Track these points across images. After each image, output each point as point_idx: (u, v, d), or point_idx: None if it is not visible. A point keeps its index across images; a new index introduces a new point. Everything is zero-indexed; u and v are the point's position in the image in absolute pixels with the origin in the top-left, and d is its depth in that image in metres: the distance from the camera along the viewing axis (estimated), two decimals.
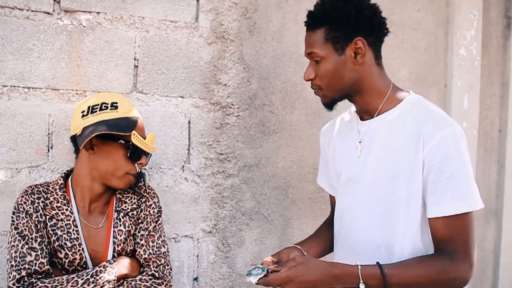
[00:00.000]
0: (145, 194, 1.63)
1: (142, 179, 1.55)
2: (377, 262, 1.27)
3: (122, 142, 1.48)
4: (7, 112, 1.64)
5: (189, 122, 1.89)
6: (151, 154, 1.58)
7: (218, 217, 1.95)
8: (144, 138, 1.52)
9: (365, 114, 1.44)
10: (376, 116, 1.40)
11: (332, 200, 1.64)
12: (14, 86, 1.65)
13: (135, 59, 1.80)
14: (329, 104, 1.41)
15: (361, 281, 1.24)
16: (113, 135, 1.46)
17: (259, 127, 2.00)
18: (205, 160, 1.92)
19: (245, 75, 1.97)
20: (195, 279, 1.93)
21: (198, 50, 1.89)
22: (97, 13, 1.74)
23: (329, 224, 1.62)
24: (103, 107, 1.47)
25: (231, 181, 1.97)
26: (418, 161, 1.29)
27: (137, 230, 1.59)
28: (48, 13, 1.68)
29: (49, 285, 1.39)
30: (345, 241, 1.48)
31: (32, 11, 1.66)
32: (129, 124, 1.49)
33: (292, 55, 2.04)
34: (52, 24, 1.68)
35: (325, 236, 1.59)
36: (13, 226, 1.45)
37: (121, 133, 1.45)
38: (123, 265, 1.51)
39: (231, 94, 1.95)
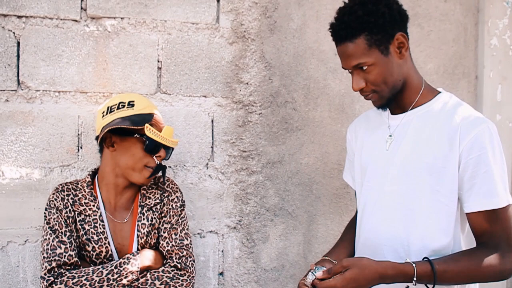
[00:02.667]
0: (168, 189, 1.70)
1: (162, 171, 1.61)
2: (426, 258, 1.30)
3: (138, 136, 1.55)
4: (40, 115, 1.75)
5: (212, 121, 1.95)
6: (172, 148, 1.64)
7: (243, 213, 1.99)
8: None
9: (397, 108, 1.45)
10: (410, 110, 1.42)
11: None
12: (46, 91, 1.75)
13: (158, 61, 1.87)
14: (385, 104, 1.43)
15: (415, 278, 1.25)
16: (128, 130, 1.54)
17: (281, 124, 2.03)
18: (228, 157, 1.97)
19: (266, 73, 2.00)
20: (221, 273, 1.98)
21: (219, 50, 1.93)
22: (121, 18, 1.82)
23: (353, 224, 1.63)
24: (120, 106, 1.55)
25: (255, 178, 2.00)
26: (453, 156, 1.31)
27: (161, 224, 1.66)
28: (76, 21, 1.77)
29: (76, 275, 1.48)
30: (368, 233, 1.49)
31: (61, 19, 1.76)
32: (143, 118, 1.55)
33: (314, 52, 2.05)
34: (80, 31, 1.78)
35: (350, 238, 1.59)
36: (45, 221, 1.56)
37: (134, 127, 1.52)
38: (146, 257, 1.58)
39: (253, 92, 1.98)
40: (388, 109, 1.48)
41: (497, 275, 1.30)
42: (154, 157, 1.59)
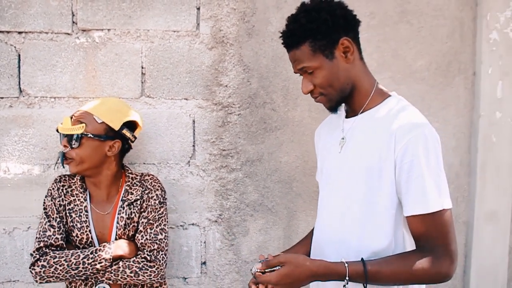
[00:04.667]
0: (150, 186, 1.87)
1: (59, 157, 1.75)
2: (362, 259, 1.34)
3: None
4: (38, 118, 2.00)
5: (193, 122, 2.09)
6: (69, 135, 1.72)
7: (223, 208, 2.13)
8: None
9: (351, 112, 1.51)
10: (360, 113, 1.47)
11: None
12: (43, 97, 2.00)
13: (142, 68, 2.04)
14: (334, 107, 1.49)
15: (347, 277, 1.31)
16: None
17: (260, 124, 2.12)
18: (209, 156, 2.10)
19: (245, 76, 2.09)
20: (203, 263, 2.14)
21: (199, 55, 2.06)
22: (108, 30, 2.01)
23: None
24: None
25: (234, 175, 2.12)
26: (390, 160, 1.35)
27: (139, 218, 1.85)
28: (68, 34, 1.99)
29: (57, 256, 1.72)
30: (316, 233, 1.57)
31: (55, 33, 1.98)
32: None
33: None
34: (71, 43, 1.99)
35: (311, 239, 1.66)
36: (43, 207, 1.82)
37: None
38: (119, 247, 1.77)
39: (232, 94, 2.09)
40: (344, 112, 1.54)
41: (431, 278, 1.32)
42: (62, 145, 1.76)
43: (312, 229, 1.74)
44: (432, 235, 1.32)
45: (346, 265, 1.31)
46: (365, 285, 1.33)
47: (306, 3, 1.43)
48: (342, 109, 1.56)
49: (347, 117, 1.53)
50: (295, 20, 1.40)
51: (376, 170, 1.37)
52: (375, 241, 1.40)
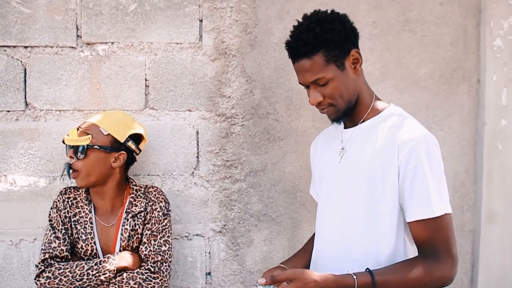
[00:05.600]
0: (154, 198, 1.88)
1: (65, 169, 1.76)
2: (368, 269, 1.35)
3: None
4: (44, 131, 2.03)
5: (197, 133, 2.10)
6: (75, 146, 1.73)
7: (227, 218, 2.14)
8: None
9: (350, 122, 1.53)
10: (360, 124, 1.50)
11: None
12: (49, 110, 2.03)
13: (146, 80, 2.06)
14: (340, 118, 1.50)
15: None
16: None
17: (263, 134, 2.13)
18: (213, 166, 2.11)
19: (248, 87, 2.11)
20: (208, 273, 2.15)
21: (202, 67, 2.08)
22: (112, 43, 2.03)
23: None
24: None
25: (238, 186, 2.13)
26: (393, 167, 1.38)
27: (143, 230, 1.86)
28: (73, 47, 2.02)
29: (62, 267, 1.73)
30: (319, 244, 1.57)
31: (60, 47, 2.01)
32: None
33: None
34: (76, 56, 2.02)
35: (310, 248, 1.66)
36: (48, 218, 1.84)
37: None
38: (124, 259, 1.79)
39: (235, 105, 2.10)
40: (342, 123, 1.55)
41: (436, 283, 1.35)
42: (69, 157, 1.78)
43: (308, 241, 1.75)
44: (434, 239, 1.35)
45: (355, 277, 1.31)
46: None
47: (313, 14, 1.43)
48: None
49: (345, 127, 1.54)
50: (309, 30, 1.39)
51: (379, 179, 1.40)
52: (378, 250, 1.41)
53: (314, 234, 1.75)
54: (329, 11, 1.44)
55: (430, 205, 1.34)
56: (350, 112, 1.48)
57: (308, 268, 1.60)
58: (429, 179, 1.35)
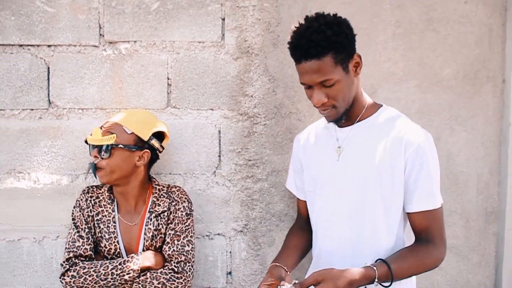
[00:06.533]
0: (177, 198, 1.88)
1: (90, 168, 1.76)
2: (380, 259, 1.45)
3: None
4: (67, 129, 2.03)
5: (219, 132, 2.09)
6: (99, 146, 1.73)
7: (249, 218, 2.13)
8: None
9: (345, 121, 1.58)
10: (356, 123, 1.57)
11: (301, 205, 1.83)
12: (72, 108, 2.03)
13: (168, 79, 2.06)
14: (339, 119, 1.56)
15: (377, 280, 1.40)
16: None
17: (286, 134, 2.11)
18: (235, 166, 2.11)
19: (270, 86, 2.09)
20: (229, 273, 2.14)
21: (224, 66, 2.07)
22: (134, 41, 2.03)
23: (297, 229, 1.79)
24: None
25: (260, 185, 2.12)
26: (399, 163, 1.49)
27: (166, 230, 1.86)
28: (95, 46, 2.02)
29: (87, 266, 1.74)
30: (323, 240, 1.63)
31: (82, 46, 2.02)
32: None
33: None
34: (98, 55, 2.02)
35: (295, 243, 1.72)
36: (71, 217, 1.85)
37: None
38: (147, 259, 1.79)
39: (258, 104, 2.09)
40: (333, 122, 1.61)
41: (435, 264, 1.51)
42: (93, 156, 1.77)
43: (290, 237, 1.77)
44: (432, 227, 1.51)
45: (375, 268, 1.40)
46: (390, 283, 1.42)
47: (320, 16, 1.47)
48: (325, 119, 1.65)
49: (340, 126, 1.60)
50: (319, 31, 1.42)
51: (388, 175, 1.50)
52: (383, 241, 1.52)
53: (292, 229, 1.83)
54: (331, 15, 1.48)
55: (433, 197, 1.50)
56: (346, 112, 1.54)
57: (300, 261, 1.71)
58: (432, 175, 1.49)
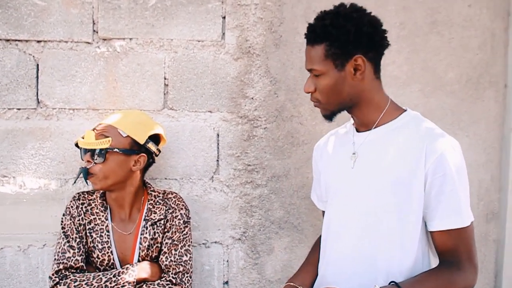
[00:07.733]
0: (174, 205, 1.78)
1: (80, 173, 1.65)
2: (394, 282, 1.30)
3: None
4: (56, 131, 1.91)
5: (217, 135, 2.01)
6: (92, 150, 1.63)
7: (247, 225, 2.04)
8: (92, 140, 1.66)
9: (362, 126, 1.46)
10: (374, 128, 1.43)
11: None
12: (62, 108, 1.91)
13: (165, 79, 1.96)
14: (329, 116, 1.47)
15: None
16: None
17: (287, 138, 2.04)
18: (233, 171, 2.02)
19: (271, 88, 2.02)
20: (226, 283, 2.05)
21: (224, 66, 1.99)
22: (130, 39, 1.93)
23: (319, 244, 1.63)
24: None
25: (260, 191, 2.04)
26: (419, 174, 1.33)
27: (163, 239, 1.75)
28: (88, 43, 1.91)
29: (78, 279, 1.62)
30: (333, 254, 1.49)
31: (75, 42, 1.90)
32: None
33: None
34: (91, 52, 1.91)
35: (315, 260, 1.60)
36: (61, 226, 1.72)
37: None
38: (143, 270, 1.68)
39: (258, 107, 2.02)
40: (353, 127, 1.50)
41: None
42: (85, 161, 1.66)
43: (313, 251, 1.67)
44: (459, 248, 1.33)
45: None
46: None
47: (340, 5, 1.38)
48: (349, 124, 1.54)
49: (358, 131, 1.48)
50: (322, 18, 1.36)
51: (406, 184, 1.34)
52: (403, 259, 1.37)
53: (316, 242, 1.69)
54: (356, 7, 1.37)
55: (460, 215, 1.32)
56: (337, 112, 1.45)
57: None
58: (458, 188, 1.32)
